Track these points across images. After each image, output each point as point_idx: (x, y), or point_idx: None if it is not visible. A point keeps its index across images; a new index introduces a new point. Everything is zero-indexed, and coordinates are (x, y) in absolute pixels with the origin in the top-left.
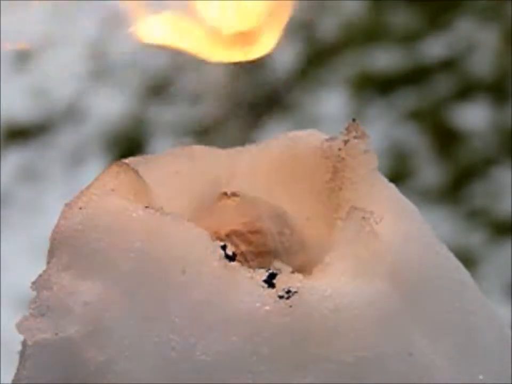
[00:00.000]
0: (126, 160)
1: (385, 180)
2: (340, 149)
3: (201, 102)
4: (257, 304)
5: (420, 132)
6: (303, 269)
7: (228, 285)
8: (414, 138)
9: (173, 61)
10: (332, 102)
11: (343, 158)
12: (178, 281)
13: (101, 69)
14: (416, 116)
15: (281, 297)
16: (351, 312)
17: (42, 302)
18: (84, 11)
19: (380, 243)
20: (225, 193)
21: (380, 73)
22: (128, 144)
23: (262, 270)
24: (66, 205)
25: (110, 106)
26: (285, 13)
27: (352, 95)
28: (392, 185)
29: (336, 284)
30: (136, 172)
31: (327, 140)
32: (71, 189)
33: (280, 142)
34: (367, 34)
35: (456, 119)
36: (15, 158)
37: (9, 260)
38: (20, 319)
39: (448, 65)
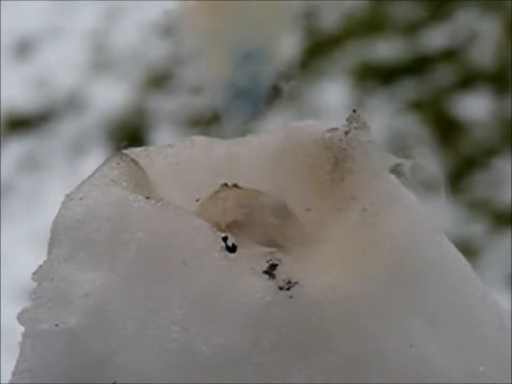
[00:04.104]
0: (127, 151)
1: (387, 171)
2: (340, 140)
3: (202, 92)
4: (258, 295)
5: (421, 122)
6: (303, 260)
7: (229, 276)
8: (415, 128)
9: (174, 52)
10: (333, 92)
11: (344, 149)
12: (179, 272)
13: (102, 59)
14: (418, 106)
15: (281, 288)
16: (351, 304)
17: (43, 293)
18: (85, 1)
19: (381, 234)
20: (226, 185)
21: (381, 63)
22: (129, 135)
23: (263, 261)
24: (67, 195)
25: (111, 96)
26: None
27: (353, 86)
28: (393, 176)
29: (337, 275)
30: (137, 163)
31: (328, 131)
32: (72, 179)
33: (281, 133)
34: (368, 24)
35: (458, 109)
36: (16, 148)
37: (9, 251)
38: (20, 310)
39: (449, 55)
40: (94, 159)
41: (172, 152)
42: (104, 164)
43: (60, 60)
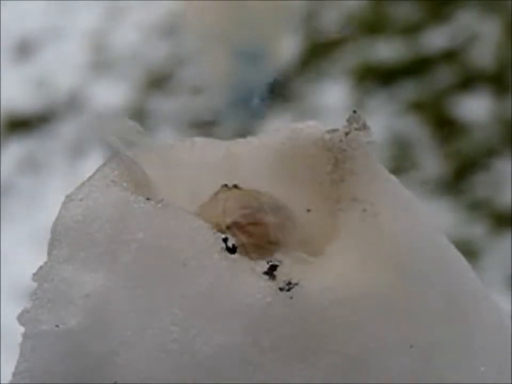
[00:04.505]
0: (127, 152)
1: (387, 171)
2: (341, 141)
3: (202, 93)
4: (258, 296)
5: (421, 123)
6: (304, 261)
7: (229, 277)
8: (415, 129)
9: (174, 52)
10: (334, 93)
11: (344, 150)
12: (179, 273)
13: (102, 59)
14: (418, 107)
15: (281, 289)
16: (352, 304)
17: (43, 294)
18: (85, 2)
19: (381, 235)
20: (226, 185)
21: (381, 64)
22: None
23: (263, 262)
24: (67, 196)
25: (111, 97)
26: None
27: (353, 86)
28: (393, 177)
29: (337, 275)
30: (137, 164)
31: (328, 132)
32: (72, 180)
33: (281, 134)
34: (368, 25)
35: (458, 110)
36: (16, 148)
37: (9, 251)
38: (20, 311)
39: (449, 56)
40: (94, 160)
41: (172, 153)
42: (104, 164)
43: (60, 60)
